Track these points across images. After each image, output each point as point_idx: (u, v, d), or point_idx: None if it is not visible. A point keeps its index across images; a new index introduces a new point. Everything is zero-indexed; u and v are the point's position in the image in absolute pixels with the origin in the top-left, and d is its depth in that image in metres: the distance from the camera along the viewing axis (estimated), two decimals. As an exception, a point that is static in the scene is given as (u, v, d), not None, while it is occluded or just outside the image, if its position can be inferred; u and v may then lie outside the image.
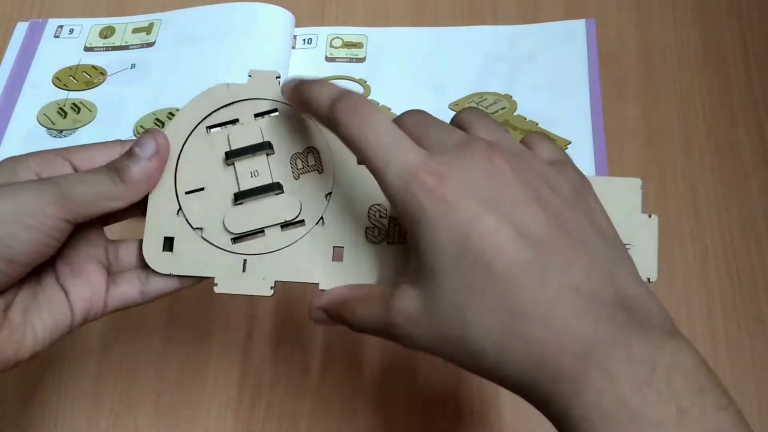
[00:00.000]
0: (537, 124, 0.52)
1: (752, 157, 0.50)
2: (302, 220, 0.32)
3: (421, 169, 0.25)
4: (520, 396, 0.25)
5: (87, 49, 0.57)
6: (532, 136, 0.29)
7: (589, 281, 0.24)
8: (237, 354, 0.45)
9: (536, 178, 0.26)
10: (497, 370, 0.24)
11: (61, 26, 0.59)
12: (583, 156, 0.50)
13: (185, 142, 0.33)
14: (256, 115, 0.33)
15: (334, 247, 0.31)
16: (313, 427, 0.43)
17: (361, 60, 0.56)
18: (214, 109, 0.33)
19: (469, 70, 0.55)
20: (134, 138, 0.32)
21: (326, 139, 0.32)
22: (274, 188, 0.32)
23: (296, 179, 0.32)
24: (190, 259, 0.32)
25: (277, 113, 0.33)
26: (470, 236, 0.24)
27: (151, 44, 0.57)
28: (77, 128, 0.53)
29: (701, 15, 0.56)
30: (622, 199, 0.31)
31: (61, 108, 0.54)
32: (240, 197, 0.32)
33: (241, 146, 0.32)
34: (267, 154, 0.32)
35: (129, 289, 0.32)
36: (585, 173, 0.51)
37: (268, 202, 0.32)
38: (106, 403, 0.44)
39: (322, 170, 0.32)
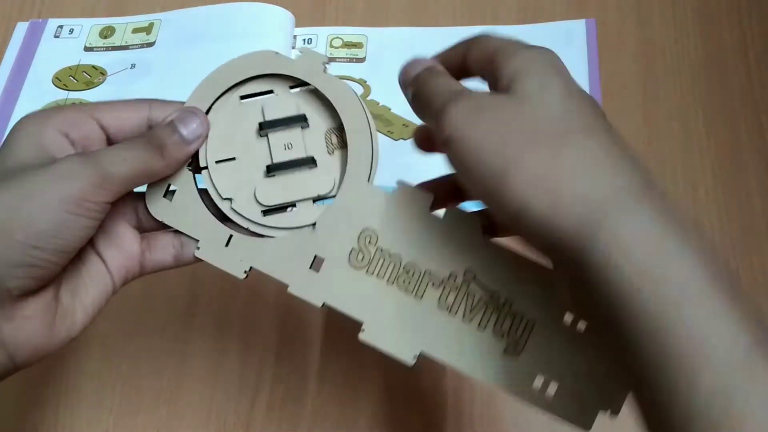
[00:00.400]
0: (537, 124, 0.52)
1: (752, 157, 0.50)
2: (335, 195, 0.31)
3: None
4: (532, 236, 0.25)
5: (87, 49, 0.57)
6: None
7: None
8: (238, 355, 0.45)
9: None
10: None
11: (61, 26, 0.59)
12: (583, 156, 0.50)
13: (214, 102, 0.32)
14: (291, 88, 0.32)
15: (315, 255, 0.31)
16: (312, 429, 0.43)
17: (361, 60, 0.56)
18: (251, 76, 0.32)
19: (469, 70, 0.54)
20: (158, 100, 0.32)
21: (369, 120, 0.32)
22: (308, 162, 0.32)
23: (330, 154, 0.32)
24: (184, 215, 0.32)
25: (312, 87, 0.32)
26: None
27: (151, 44, 0.57)
28: (77, 128, 0.53)
29: (701, 15, 0.56)
30: None
31: (61, 108, 0.54)
32: (272, 169, 0.32)
33: (275, 118, 0.32)
34: (302, 128, 0.32)
35: (163, 255, 0.32)
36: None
37: (302, 175, 0.32)
38: (106, 402, 0.44)
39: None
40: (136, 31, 0.58)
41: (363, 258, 0.31)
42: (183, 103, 0.33)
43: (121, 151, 0.29)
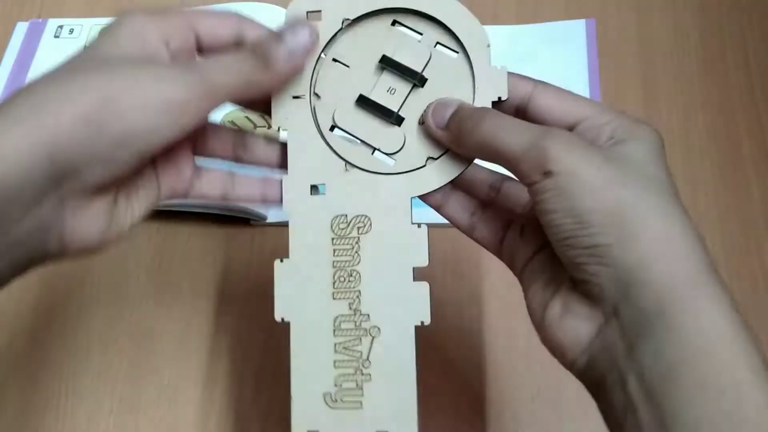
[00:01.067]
0: (537, 124, 0.52)
1: (752, 157, 0.50)
2: (394, 160, 0.31)
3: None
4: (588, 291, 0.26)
5: (87, 49, 0.57)
6: None
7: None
8: (239, 355, 0.45)
9: None
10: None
11: (61, 26, 0.59)
12: (583, 156, 0.50)
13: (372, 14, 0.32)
14: (438, 44, 0.32)
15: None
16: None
17: (361, 60, 0.56)
18: (417, 9, 0.32)
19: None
20: (250, 20, 0.31)
21: None
22: (395, 117, 0.31)
23: (420, 124, 0.32)
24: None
25: (457, 55, 0.31)
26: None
27: (151, 44, 0.57)
28: (77, 128, 0.53)
29: (701, 15, 0.56)
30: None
31: (61, 108, 0.54)
32: (362, 101, 0.32)
33: (399, 61, 0.31)
34: (414, 85, 0.31)
35: (209, 188, 0.32)
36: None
37: (381, 124, 0.31)
38: (106, 402, 0.44)
39: None
40: (136, 31, 0.58)
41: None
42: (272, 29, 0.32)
43: (227, 62, 0.28)
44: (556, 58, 0.54)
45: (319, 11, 0.33)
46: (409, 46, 0.32)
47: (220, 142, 0.33)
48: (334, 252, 0.31)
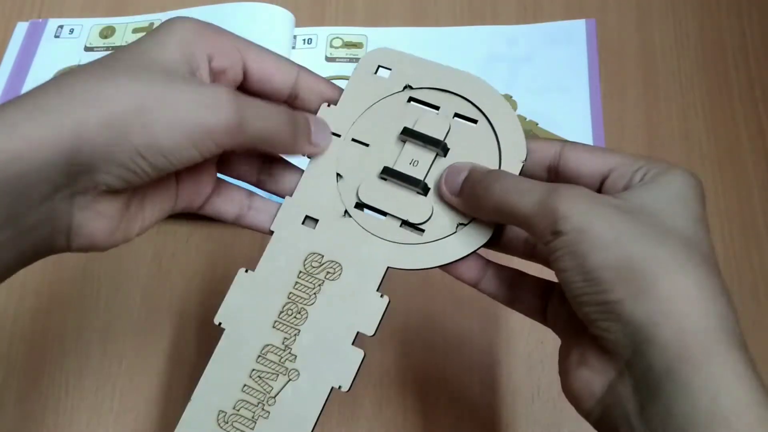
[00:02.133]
0: (537, 123, 0.52)
1: (752, 157, 0.50)
2: (423, 230, 0.31)
3: None
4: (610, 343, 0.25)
5: (87, 49, 0.57)
6: None
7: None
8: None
9: None
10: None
11: (61, 26, 0.59)
12: (583, 156, 0.50)
13: (389, 96, 0.33)
14: (456, 115, 0.32)
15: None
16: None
17: (361, 60, 0.56)
18: (434, 87, 0.33)
19: (469, 70, 0.54)
20: (307, 71, 0.32)
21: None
22: (420, 186, 0.31)
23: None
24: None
25: (476, 125, 0.32)
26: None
27: (151, 44, 0.57)
28: (77, 128, 0.53)
29: (701, 15, 0.56)
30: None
31: (61, 108, 0.54)
32: (387, 173, 0.32)
33: (421, 132, 0.32)
34: (437, 154, 0.32)
35: (226, 207, 0.32)
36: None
37: (407, 194, 0.31)
38: (106, 403, 0.44)
39: None
40: (136, 31, 0.58)
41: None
42: (332, 84, 0.33)
43: (266, 110, 0.28)
44: (556, 58, 0.54)
45: (390, 69, 0.34)
46: (429, 118, 0.32)
47: (245, 165, 0.33)
48: (295, 285, 0.31)
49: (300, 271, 0.31)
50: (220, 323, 0.31)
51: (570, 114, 0.52)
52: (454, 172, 0.30)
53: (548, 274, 0.29)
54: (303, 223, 0.32)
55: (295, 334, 0.30)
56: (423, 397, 0.44)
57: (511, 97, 0.53)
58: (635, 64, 0.54)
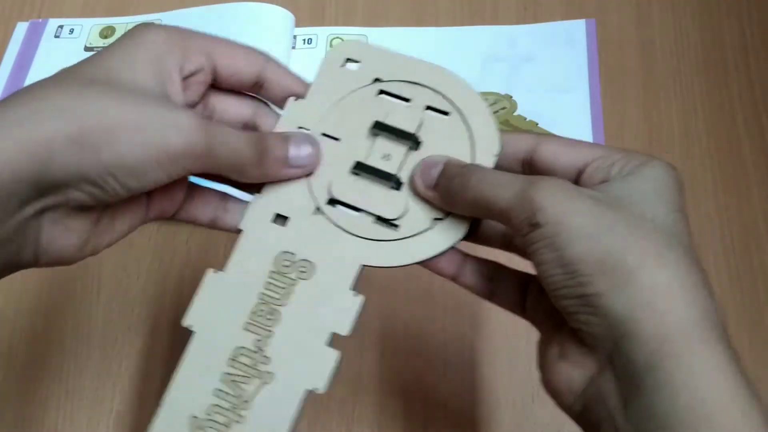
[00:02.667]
0: (537, 124, 0.52)
1: (752, 157, 0.50)
2: (397, 225, 0.30)
3: None
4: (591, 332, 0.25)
5: (87, 49, 0.58)
6: None
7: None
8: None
9: None
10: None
11: (61, 26, 0.59)
12: (583, 156, 0.50)
13: (359, 89, 0.32)
14: (428, 107, 0.32)
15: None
16: (313, 427, 0.43)
17: (362, 60, 0.56)
18: (404, 80, 0.32)
19: (469, 70, 0.55)
20: (275, 62, 0.31)
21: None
22: (393, 180, 0.30)
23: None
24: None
25: (448, 116, 0.31)
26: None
27: (151, 44, 0.57)
28: (77, 128, 0.53)
29: (701, 15, 0.56)
30: None
31: (61, 108, 0.54)
32: (359, 168, 0.31)
33: (392, 125, 0.31)
34: (409, 148, 0.31)
35: (201, 212, 0.32)
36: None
37: (380, 190, 0.31)
38: (106, 403, 0.44)
39: None
40: (136, 31, 0.58)
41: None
42: (299, 78, 0.32)
43: (231, 138, 0.28)
44: (556, 58, 0.54)
45: (358, 62, 0.33)
46: (400, 111, 0.31)
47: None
48: (266, 285, 0.30)
49: (271, 271, 0.30)
50: (190, 326, 0.30)
51: (570, 114, 0.52)
52: (429, 166, 0.30)
53: (527, 266, 0.28)
54: (273, 221, 0.31)
55: (267, 336, 0.30)
56: (423, 395, 0.44)
57: (511, 97, 0.53)
58: (635, 63, 0.54)
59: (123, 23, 0.58)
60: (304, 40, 0.57)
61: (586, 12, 0.56)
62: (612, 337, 0.24)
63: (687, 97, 0.52)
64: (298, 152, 0.30)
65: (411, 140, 0.31)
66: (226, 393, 0.29)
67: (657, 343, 0.23)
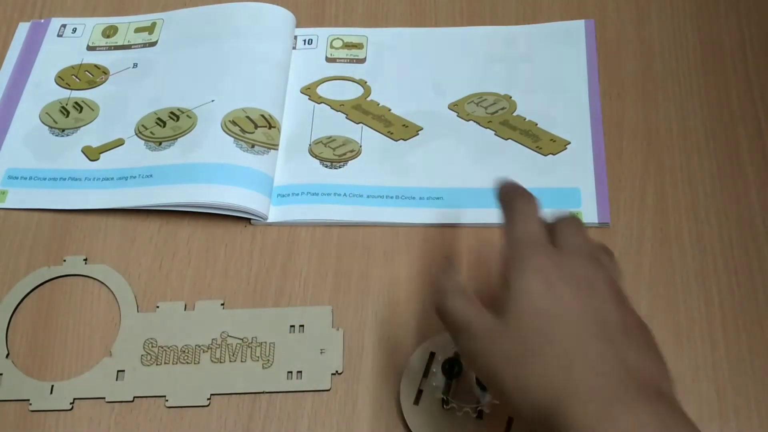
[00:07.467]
0: (536, 124, 0.52)
1: (751, 157, 0.50)
2: None
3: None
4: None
5: (90, 48, 0.58)
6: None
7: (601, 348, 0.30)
8: (237, 352, 0.46)
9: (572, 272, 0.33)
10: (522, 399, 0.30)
11: (64, 25, 0.59)
12: (582, 156, 0.50)
13: None
14: None
15: (117, 371, 0.44)
16: (313, 427, 0.43)
17: (362, 61, 0.56)
18: None
19: (469, 70, 0.55)
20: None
21: None
22: None
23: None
24: None
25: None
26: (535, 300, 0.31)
27: (153, 44, 0.57)
28: (79, 127, 0.54)
29: (700, 15, 0.56)
30: None
31: (63, 107, 0.55)
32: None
33: None
34: None
35: None
36: (584, 173, 0.51)
37: None
38: (106, 402, 0.44)
39: None
40: (138, 30, 0.58)
41: (150, 357, 0.44)
42: None
43: None
44: (555, 58, 0.55)
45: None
46: None
47: None
48: None
49: (154, 362, 0.44)
50: None
51: (569, 114, 0.52)
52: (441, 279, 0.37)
53: None
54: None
55: None
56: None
57: (510, 97, 0.53)
58: (634, 64, 0.54)
59: (125, 22, 0.59)
60: (305, 40, 0.57)
61: (586, 12, 0.56)
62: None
63: (686, 97, 0.52)
64: None
65: None
66: None
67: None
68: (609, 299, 0.32)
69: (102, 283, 0.47)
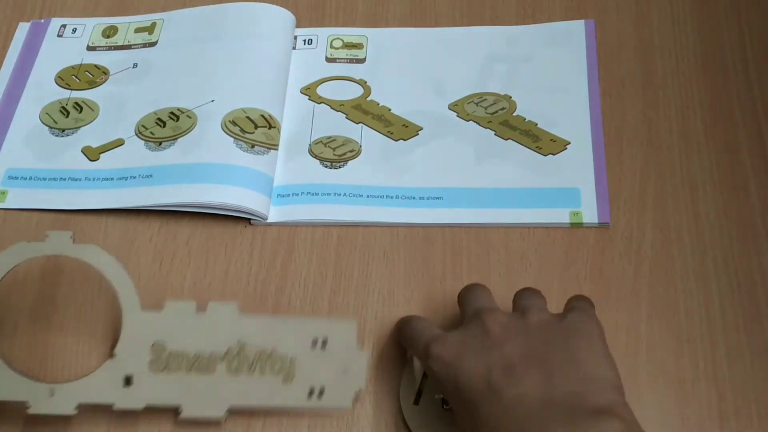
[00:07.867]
0: (536, 124, 0.52)
1: (751, 157, 0.50)
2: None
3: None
4: None
5: (90, 48, 0.58)
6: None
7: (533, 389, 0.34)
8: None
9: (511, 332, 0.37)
10: None
11: (64, 25, 0.59)
12: (582, 156, 0.50)
13: None
14: None
15: (125, 375, 0.40)
16: (313, 427, 0.43)
17: (362, 61, 0.56)
18: None
19: (469, 70, 0.55)
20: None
21: None
22: None
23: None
24: None
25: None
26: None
27: (153, 44, 0.57)
28: (79, 127, 0.54)
29: (699, 15, 0.56)
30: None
31: (63, 107, 0.55)
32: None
33: None
34: None
35: None
36: (584, 173, 0.51)
37: None
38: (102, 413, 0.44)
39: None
40: (138, 30, 0.58)
41: (159, 363, 0.40)
42: None
43: None
44: (555, 58, 0.55)
45: None
46: None
47: None
48: None
49: (164, 369, 0.40)
50: None
51: (569, 114, 0.52)
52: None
53: None
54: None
55: None
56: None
57: (510, 97, 0.53)
58: (634, 64, 0.54)
59: (125, 22, 0.59)
60: (305, 40, 0.57)
61: (586, 12, 0.56)
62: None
63: (685, 97, 0.53)
64: None
65: None
66: None
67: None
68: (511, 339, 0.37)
69: (95, 268, 0.42)
